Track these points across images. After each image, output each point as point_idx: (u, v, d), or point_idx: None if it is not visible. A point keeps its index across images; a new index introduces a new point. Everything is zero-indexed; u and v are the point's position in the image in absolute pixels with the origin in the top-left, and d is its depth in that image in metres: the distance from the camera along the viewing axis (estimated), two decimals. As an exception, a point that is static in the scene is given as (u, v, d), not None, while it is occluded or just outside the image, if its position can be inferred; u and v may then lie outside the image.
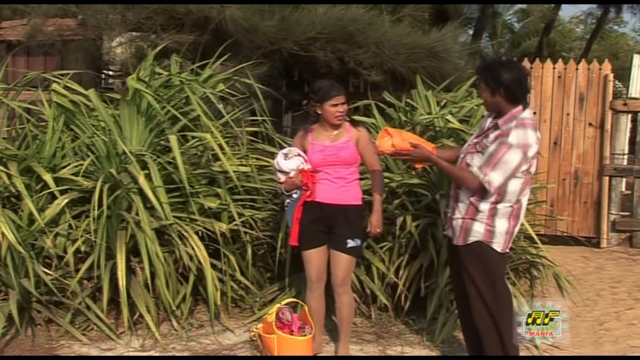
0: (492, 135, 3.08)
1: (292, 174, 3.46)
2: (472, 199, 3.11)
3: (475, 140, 3.19)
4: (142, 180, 3.85)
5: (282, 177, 3.51)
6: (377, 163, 3.61)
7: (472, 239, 3.12)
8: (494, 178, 2.99)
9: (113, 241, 3.86)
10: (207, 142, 4.22)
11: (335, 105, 3.43)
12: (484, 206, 3.08)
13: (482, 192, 3.06)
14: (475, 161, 3.11)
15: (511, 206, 3.09)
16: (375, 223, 3.56)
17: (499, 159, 2.98)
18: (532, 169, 3.12)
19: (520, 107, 3.07)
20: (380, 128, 4.89)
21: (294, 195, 3.53)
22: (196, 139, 4.35)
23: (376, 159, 3.61)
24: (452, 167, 3.21)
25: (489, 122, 3.19)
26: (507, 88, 3.02)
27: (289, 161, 3.48)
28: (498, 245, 3.11)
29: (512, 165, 2.98)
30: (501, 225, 3.09)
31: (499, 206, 3.08)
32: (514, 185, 3.06)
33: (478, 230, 3.10)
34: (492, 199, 3.07)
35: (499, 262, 3.16)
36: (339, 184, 3.49)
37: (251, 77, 4.78)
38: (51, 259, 3.94)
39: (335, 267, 3.53)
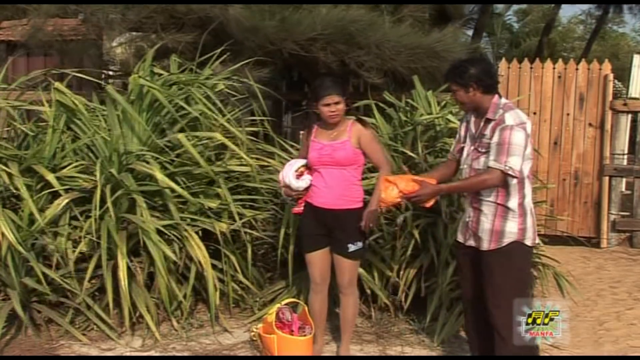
0: (488, 131, 3.08)
1: (297, 190, 3.50)
2: (497, 200, 3.08)
3: (474, 146, 3.17)
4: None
5: (286, 189, 3.54)
6: (383, 161, 3.48)
7: (506, 241, 3.07)
8: (514, 162, 2.98)
9: (114, 241, 3.86)
10: (206, 142, 4.21)
11: (327, 104, 3.33)
12: (513, 204, 3.06)
13: (505, 187, 3.04)
14: (482, 163, 3.10)
15: (530, 199, 3.12)
16: (365, 217, 3.42)
17: (508, 144, 2.98)
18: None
19: (496, 96, 3.12)
20: (381, 128, 4.90)
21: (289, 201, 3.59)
22: (196, 139, 4.35)
23: (382, 156, 3.49)
24: (464, 181, 3.16)
25: (473, 123, 3.20)
26: (477, 80, 3.08)
27: (300, 182, 3.48)
28: (529, 239, 3.11)
29: (521, 144, 2.99)
30: (529, 220, 3.10)
31: (525, 202, 3.09)
32: (527, 170, 3.08)
33: (511, 231, 3.07)
34: (518, 194, 3.06)
35: (530, 255, 3.22)
36: (334, 190, 3.40)
37: (251, 78, 4.78)
38: (51, 259, 3.94)
39: (340, 271, 3.52)
